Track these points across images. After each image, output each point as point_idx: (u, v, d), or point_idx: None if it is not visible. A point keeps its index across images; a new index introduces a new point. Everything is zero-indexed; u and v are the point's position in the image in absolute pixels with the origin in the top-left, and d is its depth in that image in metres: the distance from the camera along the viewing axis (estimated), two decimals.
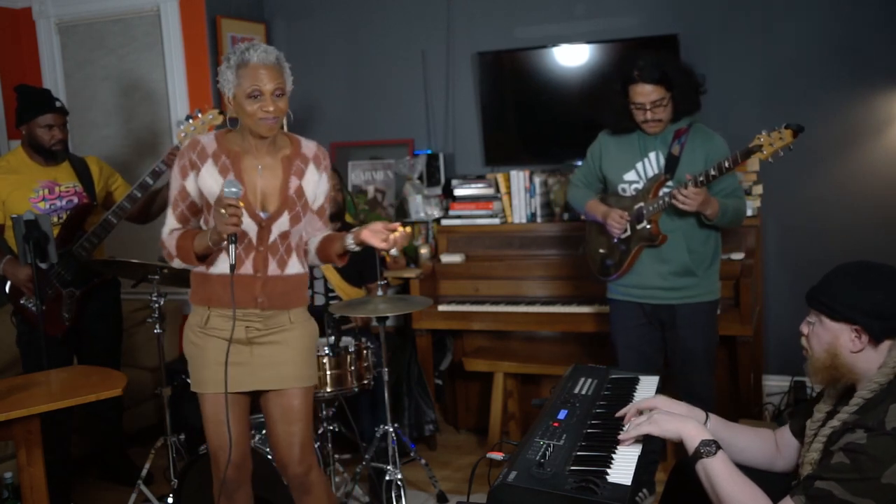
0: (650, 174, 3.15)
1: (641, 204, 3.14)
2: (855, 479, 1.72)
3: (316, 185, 2.61)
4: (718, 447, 1.90)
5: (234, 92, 2.43)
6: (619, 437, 2.02)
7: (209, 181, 2.49)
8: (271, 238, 2.54)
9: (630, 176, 3.20)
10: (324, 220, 2.68)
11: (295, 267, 2.60)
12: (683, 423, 1.97)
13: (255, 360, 2.55)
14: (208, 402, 2.57)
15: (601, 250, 3.35)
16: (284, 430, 2.58)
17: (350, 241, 2.55)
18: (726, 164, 2.92)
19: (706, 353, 3.22)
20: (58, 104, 3.57)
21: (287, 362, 2.57)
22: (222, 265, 2.50)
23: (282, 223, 2.53)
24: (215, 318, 2.54)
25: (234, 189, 2.34)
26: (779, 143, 2.83)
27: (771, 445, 2.17)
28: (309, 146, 2.63)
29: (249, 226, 2.49)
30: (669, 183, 3.09)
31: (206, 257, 2.51)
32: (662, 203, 3.07)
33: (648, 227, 3.13)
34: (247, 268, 2.52)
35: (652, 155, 3.15)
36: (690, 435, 1.93)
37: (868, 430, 1.75)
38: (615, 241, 3.24)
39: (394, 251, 2.63)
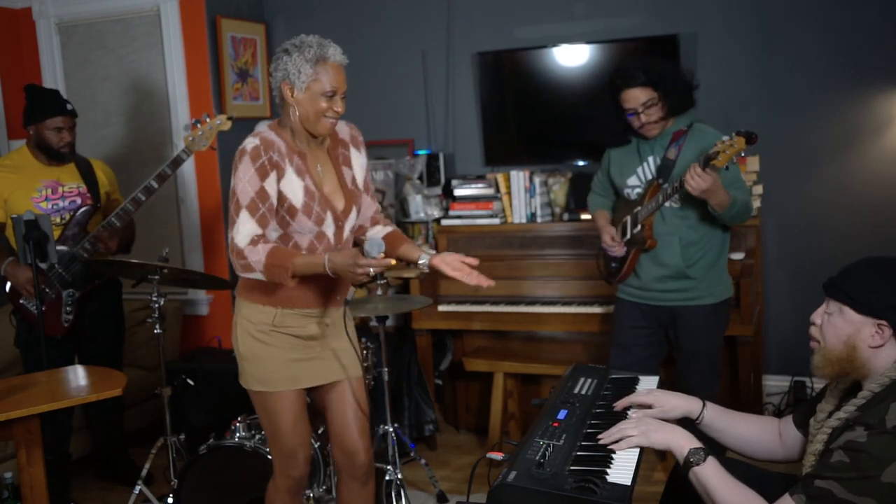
0: (649, 178, 3.16)
1: (638, 208, 3.16)
2: (855, 478, 1.71)
3: (362, 166, 2.62)
4: (708, 454, 1.90)
5: (307, 85, 2.36)
6: (608, 444, 2.00)
7: (294, 184, 2.41)
8: (345, 235, 2.54)
9: (632, 181, 3.22)
10: (371, 196, 2.68)
11: None
12: (672, 433, 1.97)
13: (326, 353, 2.57)
14: (285, 401, 2.51)
15: (609, 252, 3.36)
16: (349, 419, 2.60)
17: (423, 261, 2.49)
18: (700, 164, 2.88)
19: (707, 355, 3.21)
20: (69, 107, 3.56)
21: (346, 354, 2.60)
22: None
23: (352, 219, 2.55)
24: (288, 316, 2.49)
25: (377, 248, 2.21)
26: (731, 150, 2.82)
27: (773, 434, 2.17)
28: (341, 128, 2.59)
29: (329, 226, 2.48)
30: (664, 186, 3.08)
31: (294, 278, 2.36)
32: (653, 205, 3.08)
33: (641, 231, 3.14)
34: None
35: (650, 159, 3.16)
36: (679, 445, 1.94)
37: (868, 428, 1.74)
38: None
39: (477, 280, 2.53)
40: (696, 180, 2.88)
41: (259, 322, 2.50)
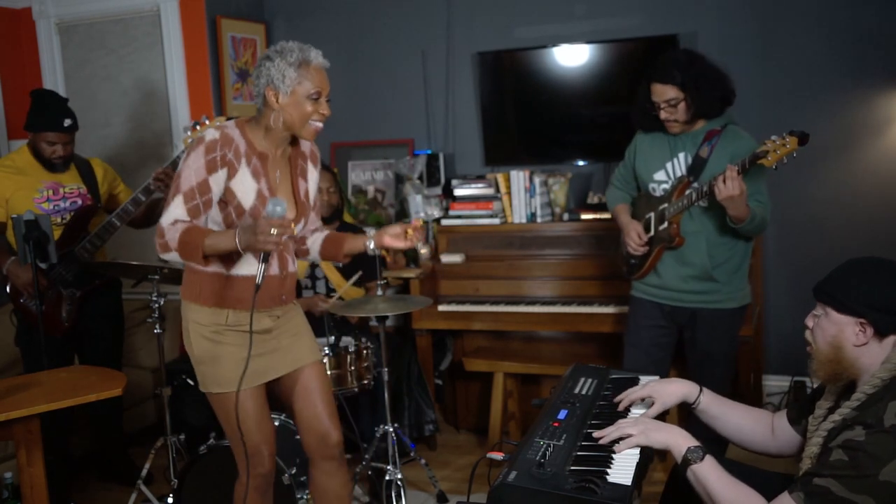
0: (678, 174, 3.12)
1: (665, 205, 3.11)
2: (853, 476, 1.72)
3: (315, 181, 2.65)
4: (705, 452, 1.92)
5: (292, 89, 2.38)
6: (607, 443, 2.01)
7: (245, 184, 2.42)
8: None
9: (660, 175, 3.17)
10: (316, 212, 2.73)
11: (296, 262, 2.68)
12: (670, 432, 1.99)
13: (282, 344, 2.59)
14: (245, 400, 2.50)
15: (629, 249, 3.33)
16: (318, 402, 2.62)
17: (371, 246, 2.61)
18: (738, 168, 2.84)
19: (725, 358, 3.19)
20: (66, 123, 3.51)
21: (302, 342, 2.64)
22: (246, 267, 2.48)
23: (297, 229, 2.58)
24: (237, 315, 2.49)
25: (279, 208, 2.26)
26: (783, 150, 2.78)
27: (766, 427, 2.18)
28: (304, 142, 2.62)
29: None
30: (695, 185, 3.05)
31: (207, 258, 2.40)
32: (684, 203, 3.03)
33: (668, 228, 3.10)
34: (273, 269, 2.53)
35: (681, 155, 3.11)
36: (677, 443, 1.95)
37: (867, 427, 1.75)
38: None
39: (420, 247, 2.65)
40: (729, 184, 2.82)
41: (211, 323, 2.49)
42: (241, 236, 2.30)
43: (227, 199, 2.43)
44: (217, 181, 2.39)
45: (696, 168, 3.06)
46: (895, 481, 1.69)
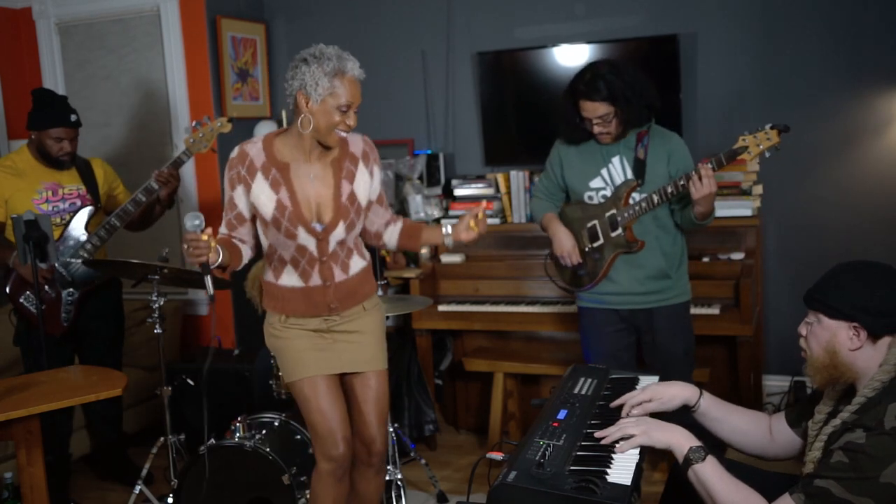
0: (617, 180, 3.09)
1: (613, 211, 3.08)
2: (853, 478, 1.72)
3: (369, 183, 2.64)
4: (707, 453, 1.92)
5: (323, 98, 2.40)
6: (609, 443, 2.01)
7: (262, 197, 2.51)
8: (331, 248, 2.57)
9: (596, 183, 3.14)
10: (384, 206, 2.76)
11: (358, 264, 2.67)
12: (671, 432, 1.98)
13: (337, 345, 2.63)
14: (312, 386, 2.59)
15: (565, 261, 3.26)
16: (370, 410, 2.67)
17: (450, 242, 2.66)
18: (711, 165, 2.86)
19: (686, 354, 3.19)
20: (72, 118, 3.54)
21: (366, 347, 2.67)
22: (287, 278, 2.59)
23: (338, 233, 2.57)
24: (293, 317, 2.62)
25: (196, 223, 2.33)
26: (766, 143, 2.81)
27: (764, 430, 2.18)
28: (356, 143, 2.63)
29: (307, 239, 2.53)
30: (640, 188, 3.04)
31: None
32: (638, 209, 3.02)
33: (623, 234, 3.08)
34: (315, 280, 2.58)
35: (615, 160, 3.10)
36: (679, 443, 1.95)
37: (867, 430, 1.75)
38: (586, 249, 3.17)
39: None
40: (706, 181, 2.84)
41: (273, 321, 2.65)
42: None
43: (254, 212, 2.56)
44: (239, 197, 2.55)
45: (638, 170, 3.06)
46: None
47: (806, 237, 4.15)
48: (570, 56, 4.29)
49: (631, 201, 3.06)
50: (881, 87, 3.94)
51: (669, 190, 2.96)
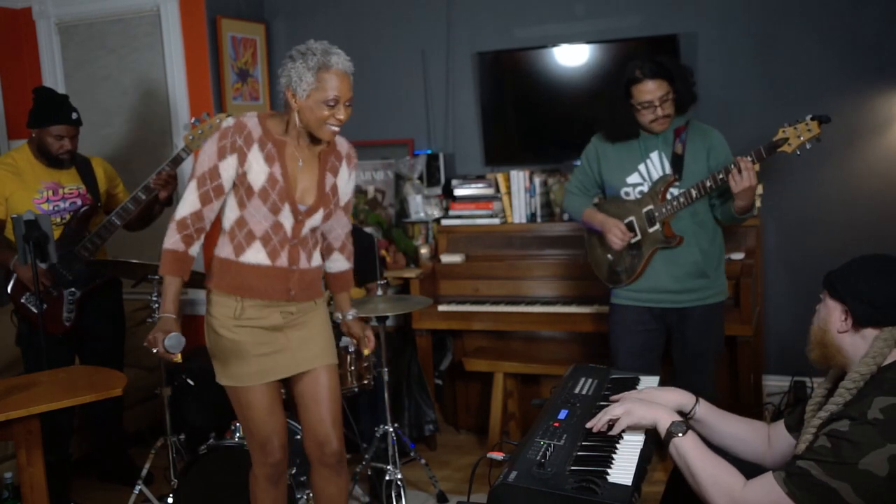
0: (654, 175, 3.11)
1: (650, 207, 3.09)
2: (833, 462, 1.76)
3: (346, 183, 2.66)
4: (689, 428, 1.97)
5: (308, 93, 2.39)
6: (597, 430, 2.06)
7: (255, 167, 2.47)
8: (304, 231, 2.57)
9: (633, 179, 3.15)
10: (348, 216, 2.76)
11: (317, 259, 2.69)
12: (656, 409, 2.04)
13: (294, 343, 2.60)
14: (255, 394, 2.57)
15: (609, 257, 3.28)
16: (322, 408, 2.64)
17: (340, 318, 2.84)
18: (750, 158, 2.86)
19: (715, 354, 3.20)
20: (73, 116, 3.54)
21: (315, 343, 2.65)
22: (253, 254, 2.53)
23: (315, 219, 2.58)
24: (249, 308, 2.55)
25: (174, 343, 2.42)
26: (806, 134, 2.81)
27: (762, 438, 2.19)
28: (342, 143, 2.66)
29: (286, 218, 2.52)
30: (677, 183, 3.05)
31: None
32: (676, 204, 3.03)
33: (661, 229, 3.09)
34: (282, 260, 2.56)
35: (654, 155, 3.11)
36: (662, 419, 2.01)
37: (851, 420, 1.80)
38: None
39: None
40: (745, 175, 2.83)
41: (222, 317, 2.58)
42: (157, 323, 2.50)
43: (238, 181, 2.49)
44: (227, 168, 2.46)
45: (676, 165, 3.06)
46: (874, 471, 1.72)
47: (806, 237, 4.15)
48: (570, 56, 4.30)
49: (669, 196, 3.06)
50: (881, 87, 3.94)
51: (708, 184, 2.95)
